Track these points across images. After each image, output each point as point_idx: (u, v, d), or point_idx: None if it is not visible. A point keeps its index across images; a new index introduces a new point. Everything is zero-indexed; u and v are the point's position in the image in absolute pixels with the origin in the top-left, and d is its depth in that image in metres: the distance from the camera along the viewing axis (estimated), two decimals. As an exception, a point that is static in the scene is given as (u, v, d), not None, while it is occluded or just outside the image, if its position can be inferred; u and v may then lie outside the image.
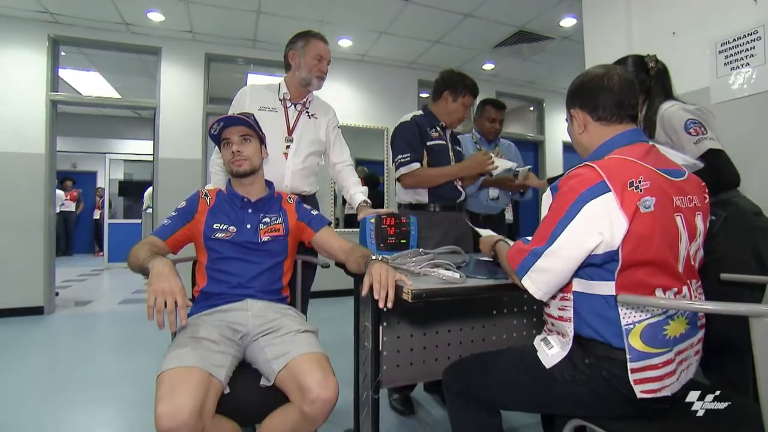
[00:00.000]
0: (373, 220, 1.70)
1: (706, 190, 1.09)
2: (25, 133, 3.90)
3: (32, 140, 3.93)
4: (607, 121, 1.07)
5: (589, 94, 1.09)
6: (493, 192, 2.74)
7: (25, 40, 3.92)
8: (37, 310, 3.96)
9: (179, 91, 4.42)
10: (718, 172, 1.41)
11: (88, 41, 4.20)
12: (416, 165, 2.08)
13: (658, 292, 0.94)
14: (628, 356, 0.92)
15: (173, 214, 1.52)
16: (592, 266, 0.96)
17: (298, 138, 1.99)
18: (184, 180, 4.34)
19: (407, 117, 2.19)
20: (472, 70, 5.33)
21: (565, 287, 1.03)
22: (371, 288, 1.16)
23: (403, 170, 2.08)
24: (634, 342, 0.92)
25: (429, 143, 2.13)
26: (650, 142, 1.08)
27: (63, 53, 4.30)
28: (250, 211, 1.56)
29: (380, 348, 1.64)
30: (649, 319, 0.92)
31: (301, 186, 1.96)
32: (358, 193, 2.02)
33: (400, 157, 2.09)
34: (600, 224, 0.91)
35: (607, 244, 0.91)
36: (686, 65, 2.07)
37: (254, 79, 5.54)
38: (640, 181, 0.92)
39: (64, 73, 5.00)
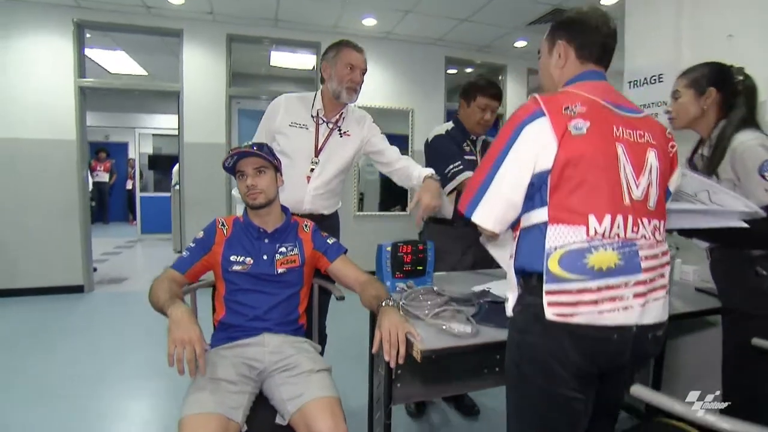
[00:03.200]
0: (389, 249, 1.68)
1: (671, 137, 1.09)
2: (56, 119, 4.00)
3: (63, 127, 4.03)
4: (586, 59, 1.09)
5: (581, 30, 1.09)
6: None
7: (51, 26, 3.94)
8: (78, 289, 4.21)
9: (202, 74, 4.39)
10: None
11: (110, 25, 4.19)
12: (470, 173, 1.95)
13: (591, 219, 0.93)
14: (544, 278, 0.94)
15: (191, 245, 1.54)
16: (531, 193, 0.99)
17: (325, 160, 1.92)
18: (210, 164, 4.40)
19: (441, 130, 2.16)
20: (502, 48, 5.06)
21: (515, 226, 1.06)
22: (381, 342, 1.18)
23: (460, 178, 1.97)
24: (552, 266, 0.94)
25: (465, 157, 2.07)
26: (607, 81, 1.09)
27: (88, 35, 4.31)
28: (266, 241, 1.56)
29: (393, 377, 1.66)
30: (571, 245, 0.93)
31: (320, 209, 1.93)
32: (425, 170, 1.87)
33: (452, 166, 1.99)
34: (535, 145, 0.95)
35: (541, 164, 0.95)
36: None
37: (277, 56, 5.43)
38: (576, 106, 0.95)
39: (91, 53, 5.03)
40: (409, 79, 4.99)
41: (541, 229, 0.97)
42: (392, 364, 1.17)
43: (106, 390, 2.42)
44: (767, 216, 1.24)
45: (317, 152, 1.92)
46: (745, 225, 1.26)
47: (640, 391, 0.90)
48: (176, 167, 6.59)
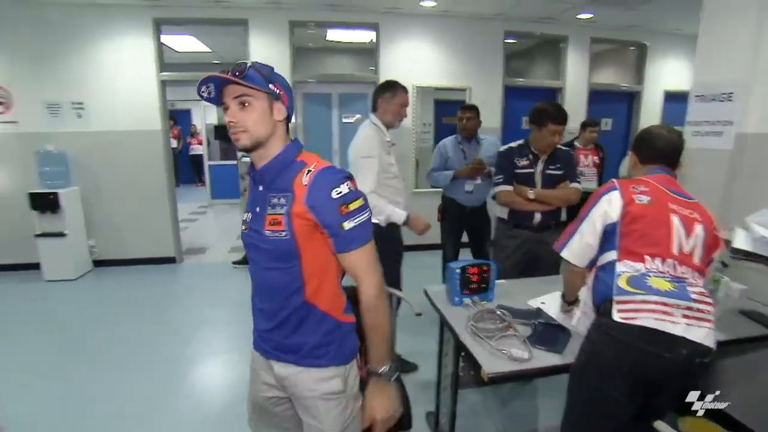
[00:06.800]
0: (459, 270, 1.95)
1: (713, 222, 1.41)
2: (143, 112, 4.47)
3: (149, 118, 4.49)
4: (646, 163, 1.54)
5: (640, 146, 1.56)
6: (468, 186, 3.18)
7: (133, 26, 4.31)
8: (171, 260, 4.87)
9: (267, 61, 4.49)
10: None
11: (184, 19, 4.50)
12: (507, 187, 2.50)
13: (647, 258, 1.32)
14: (614, 292, 1.29)
15: None
16: (606, 240, 1.40)
17: (400, 171, 2.50)
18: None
19: (503, 148, 2.61)
20: (565, 19, 4.87)
21: (594, 263, 1.46)
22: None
23: (496, 189, 2.57)
24: (621, 283, 1.30)
25: (516, 171, 2.48)
26: (668, 174, 1.49)
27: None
28: (260, 188, 1.13)
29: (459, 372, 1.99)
30: (634, 272, 1.31)
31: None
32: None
33: (497, 178, 2.57)
34: (607, 206, 1.40)
35: (609, 216, 1.38)
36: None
37: (334, 33, 5.51)
38: (639, 187, 1.41)
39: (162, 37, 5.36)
40: (466, 56, 4.96)
41: (612, 263, 1.36)
42: None
43: (209, 358, 2.97)
44: None
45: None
46: None
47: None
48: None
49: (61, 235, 4.20)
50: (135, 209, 4.64)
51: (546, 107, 2.38)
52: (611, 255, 1.37)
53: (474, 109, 3.24)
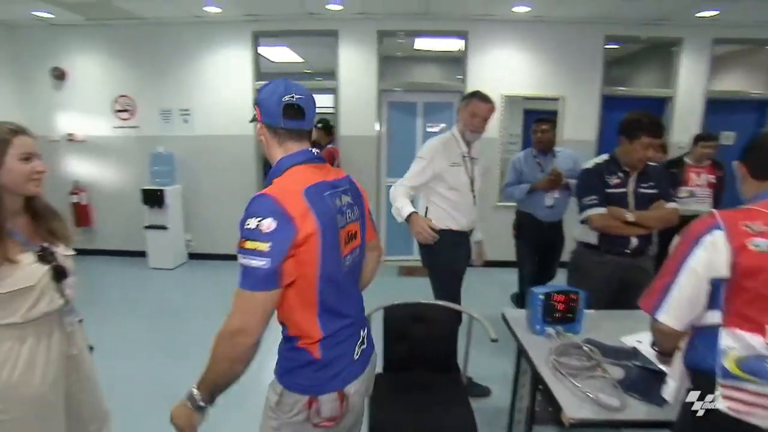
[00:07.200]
0: (542, 297, 1.78)
1: None
2: (239, 118, 4.79)
3: (244, 125, 4.77)
4: (762, 178, 1.14)
5: (753, 151, 1.17)
6: (549, 200, 3.00)
7: (234, 39, 4.71)
8: (257, 258, 5.17)
9: (355, 70, 4.75)
10: None
11: (280, 32, 4.80)
12: (601, 210, 2.18)
13: None
14: (718, 373, 1.00)
15: None
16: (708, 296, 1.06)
17: (476, 189, 2.42)
18: (363, 155, 4.85)
19: (591, 163, 2.31)
20: (679, 19, 4.35)
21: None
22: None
23: (589, 212, 2.21)
24: (728, 364, 1.00)
25: (607, 191, 2.21)
26: None
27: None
28: None
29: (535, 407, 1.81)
30: (748, 349, 0.99)
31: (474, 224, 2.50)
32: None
33: (587, 199, 2.23)
34: (712, 254, 1.03)
35: (716, 269, 1.03)
36: None
37: (422, 41, 5.50)
38: (756, 225, 1.02)
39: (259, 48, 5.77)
40: (560, 63, 4.64)
41: (715, 330, 1.04)
42: None
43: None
44: None
45: (472, 185, 2.39)
46: None
47: None
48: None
49: (164, 228, 4.68)
50: (227, 208, 4.99)
51: (639, 117, 2.12)
52: (714, 316, 1.05)
53: (550, 122, 3.16)
